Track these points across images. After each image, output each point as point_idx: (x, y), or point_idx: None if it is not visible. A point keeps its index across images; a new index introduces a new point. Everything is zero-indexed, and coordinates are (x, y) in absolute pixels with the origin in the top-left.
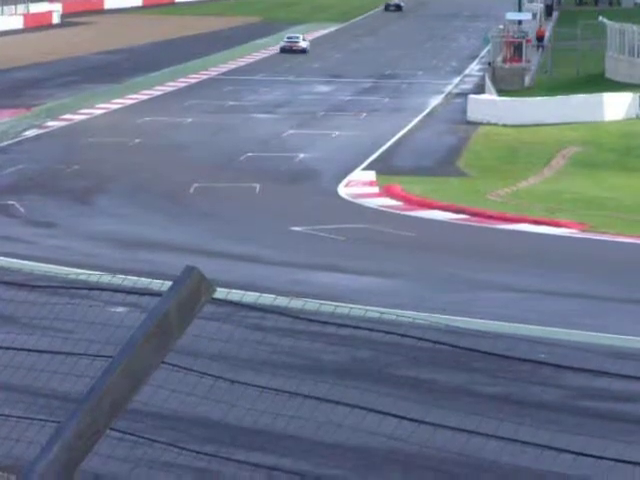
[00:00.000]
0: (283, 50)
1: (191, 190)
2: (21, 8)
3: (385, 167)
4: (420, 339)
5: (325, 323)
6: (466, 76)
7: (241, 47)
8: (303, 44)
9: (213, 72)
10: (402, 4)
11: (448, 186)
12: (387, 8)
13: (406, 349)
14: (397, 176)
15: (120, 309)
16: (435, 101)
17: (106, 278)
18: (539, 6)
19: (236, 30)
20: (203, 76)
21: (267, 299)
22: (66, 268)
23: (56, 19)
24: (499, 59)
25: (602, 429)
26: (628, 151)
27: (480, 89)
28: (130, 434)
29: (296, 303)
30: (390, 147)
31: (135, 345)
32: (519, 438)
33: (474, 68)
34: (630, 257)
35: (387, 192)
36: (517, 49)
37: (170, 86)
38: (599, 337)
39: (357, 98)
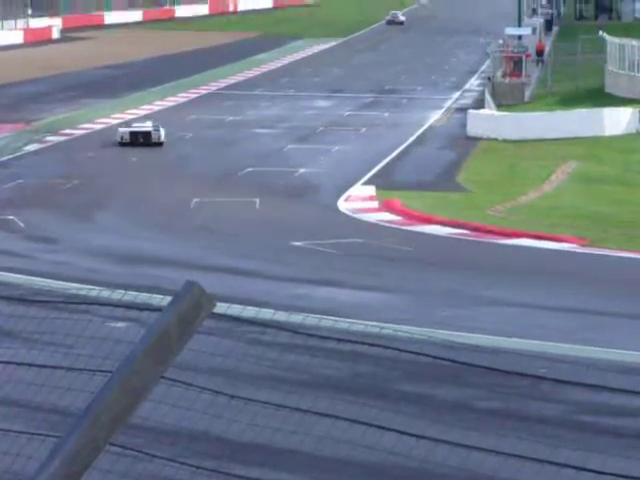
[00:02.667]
0: (388, 23)
1: (191, 205)
2: (21, 23)
3: (385, 182)
4: (419, 354)
5: (325, 338)
6: (466, 91)
7: (241, 62)
8: (402, 18)
9: (213, 87)
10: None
11: (448, 201)
12: None
13: (405, 364)
14: (397, 191)
15: (120, 324)
16: (435, 116)
17: (106, 293)
18: (539, 21)
19: (236, 45)
20: (203, 91)
21: (267, 314)
22: (66, 283)
23: (56, 34)
24: (499, 74)
25: (603, 444)
26: (628, 166)
27: (480, 104)
28: (130, 449)
29: (296, 318)
30: (390, 162)
31: (135, 360)
32: (519, 453)
33: (474, 83)
34: (630, 272)
35: (387, 207)
36: (517, 64)
37: (170, 101)
38: (599, 352)
39: (357, 113)
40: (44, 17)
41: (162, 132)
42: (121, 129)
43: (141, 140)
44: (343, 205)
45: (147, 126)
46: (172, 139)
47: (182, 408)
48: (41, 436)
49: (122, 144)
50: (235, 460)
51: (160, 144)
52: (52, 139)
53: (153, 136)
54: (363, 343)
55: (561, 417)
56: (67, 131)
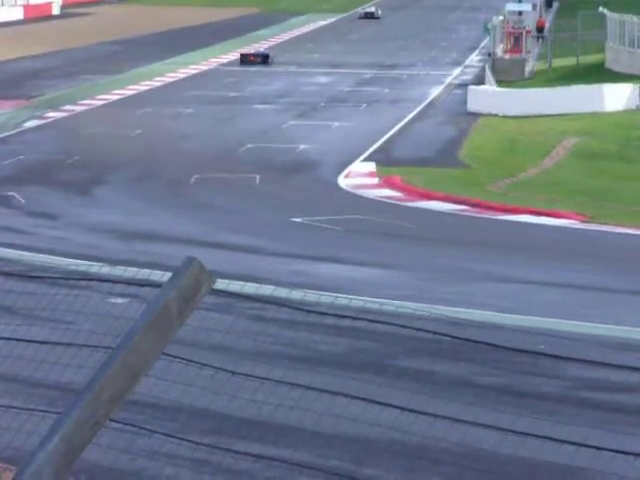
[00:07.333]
0: None
1: (191, 181)
2: None
3: (385, 158)
4: (420, 330)
5: (325, 314)
6: (466, 67)
7: (241, 38)
8: None
9: (213, 63)
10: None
11: (448, 177)
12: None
13: (406, 340)
14: (397, 167)
15: (120, 300)
16: (435, 92)
17: (106, 269)
18: None
19: (237, 21)
20: (203, 67)
21: (267, 290)
22: (66, 259)
23: (56, 10)
24: (499, 50)
25: (602, 420)
26: (628, 142)
27: (480, 80)
28: (130, 425)
29: (296, 294)
30: (390, 138)
31: (135, 336)
32: (518, 429)
33: (474, 59)
34: (630, 247)
35: (387, 183)
36: (517, 40)
37: (171, 77)
38: (599, 328)
39: (357, 89)
40: None
41: (379, 11)
42: (359, 10)
43: (370, 17)
44: (343, 181)
45: (372, 9)
46: (173, 115)
47: (182, 384)
48: (41, 412)
49: (360, 18)
50: (235, 436)
51: (378, 18)
52: (53, 115)
53: (375, 14)
54: (363, 319)
55: (561, 393)
56: (68, 107)
